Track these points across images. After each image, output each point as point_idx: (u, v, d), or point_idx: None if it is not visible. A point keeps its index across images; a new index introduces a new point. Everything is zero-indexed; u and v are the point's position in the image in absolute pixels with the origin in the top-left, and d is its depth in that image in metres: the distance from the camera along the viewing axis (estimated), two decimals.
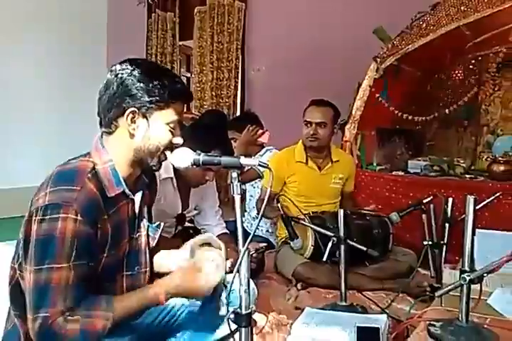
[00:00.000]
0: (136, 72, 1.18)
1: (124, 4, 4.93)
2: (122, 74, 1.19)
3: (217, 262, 1.30)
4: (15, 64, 4.32)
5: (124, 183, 1.22)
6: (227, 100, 4.37)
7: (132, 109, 1.18)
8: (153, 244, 1.37)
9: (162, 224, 1.41)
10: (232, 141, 3.04)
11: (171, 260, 1.42)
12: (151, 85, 1.18)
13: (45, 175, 1.19)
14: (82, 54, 4.71)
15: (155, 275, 1.39)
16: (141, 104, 1.18)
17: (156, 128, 1.21)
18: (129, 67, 1.20)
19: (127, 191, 1.24)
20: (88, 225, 1.12)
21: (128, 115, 1.19)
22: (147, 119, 1.20)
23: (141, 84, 1.18)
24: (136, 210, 1.31)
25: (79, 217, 1.10)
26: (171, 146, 1.25)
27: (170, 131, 1.23)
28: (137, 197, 1.30)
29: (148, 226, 1.35)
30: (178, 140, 1.26)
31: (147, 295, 1.20)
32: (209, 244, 1.45)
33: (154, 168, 1.28)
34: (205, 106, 4.47)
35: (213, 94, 4.45)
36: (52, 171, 1.18)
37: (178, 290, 1.23)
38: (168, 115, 1.22)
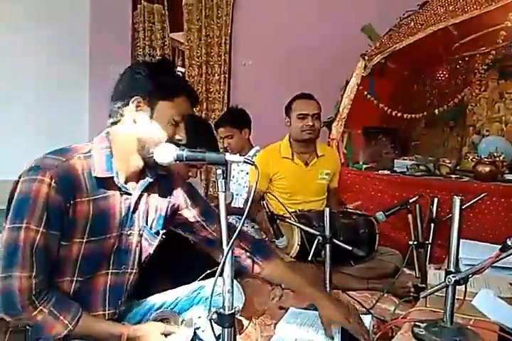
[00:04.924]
0: (146, 69, 1.26)
1: None
2: (133, 69, 1.28)
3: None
4: None
5: (115, 171, 1.23)
6: (217, 95, 4.33)
7: (138, 97, 1.23)
8: (151, 250, 1.37)
9: (161, 231, 1.37)
10: (227, 138, 3.03)
11: None
12: (158, 79, 1.25)
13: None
14: (62, 53, 4.51)
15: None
16: (146, 94, 1.24)
17: (160, 118, 1.25)
18: (141, 65, 1.29)
19: (116, 179, 1.23)
20: (61, 195, 1.14)
21: (133, 103, 1.23)
22: (152, 109, 1.25)
23: (149, 79, 1.25)
24: (132, 206, 1.28)
25: (53, 184, 1.12)
26: (173, 143, 1.25)
27: (173, 124, 1.26)
28: (135, 193, 1.29)
29: (144, 227, 1.33)
30: (181, 136, 1.28)
31: (113, 330, 1.20)
32: None
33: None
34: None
35: (203, 88, 4.41)
36: None
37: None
38: (173, 107, 1.26)
